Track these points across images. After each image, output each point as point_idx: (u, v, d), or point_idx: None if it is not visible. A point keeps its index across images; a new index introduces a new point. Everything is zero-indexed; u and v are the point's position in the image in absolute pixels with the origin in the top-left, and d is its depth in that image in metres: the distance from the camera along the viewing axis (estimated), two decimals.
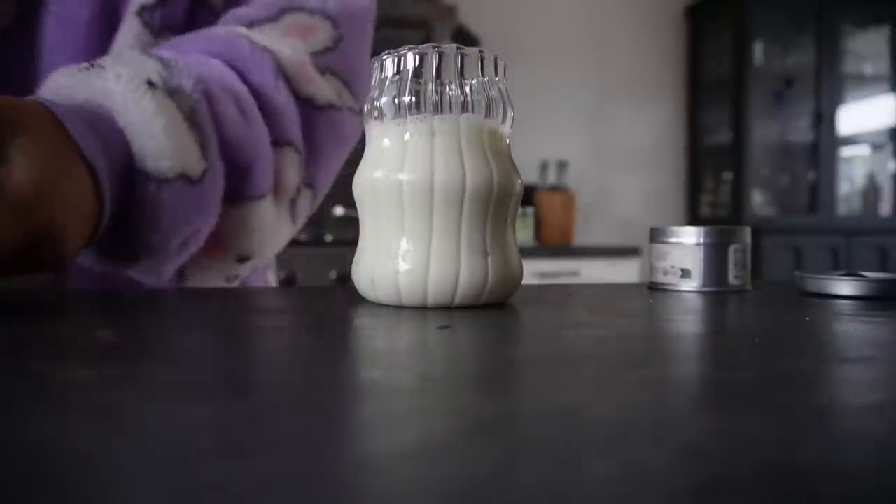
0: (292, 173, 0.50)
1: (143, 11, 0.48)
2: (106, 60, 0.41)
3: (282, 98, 0.48)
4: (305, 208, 0.54)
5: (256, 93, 0.47)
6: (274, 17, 0.52)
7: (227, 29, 0.49)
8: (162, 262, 0.43)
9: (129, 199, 0.40)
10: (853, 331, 0.29)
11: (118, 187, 0.39)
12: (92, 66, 0.40)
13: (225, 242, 0.47)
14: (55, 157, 0.34)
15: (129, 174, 0.40)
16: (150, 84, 0.40)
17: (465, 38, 2.32)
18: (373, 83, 0.37)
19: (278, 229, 0.50)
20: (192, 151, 0.41)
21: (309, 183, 0.53)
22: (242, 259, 0.49)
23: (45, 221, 0.33)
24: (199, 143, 0.42)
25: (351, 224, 2.00)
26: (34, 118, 0.34)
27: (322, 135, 0.52)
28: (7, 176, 0.32)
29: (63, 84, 0.40)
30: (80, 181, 0.36)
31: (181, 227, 0.42)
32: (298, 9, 0.53)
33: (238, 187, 0.45)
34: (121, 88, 0.39)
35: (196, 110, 0.42)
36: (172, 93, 0.41)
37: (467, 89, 0.35)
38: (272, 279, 0.66)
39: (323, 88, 0.51)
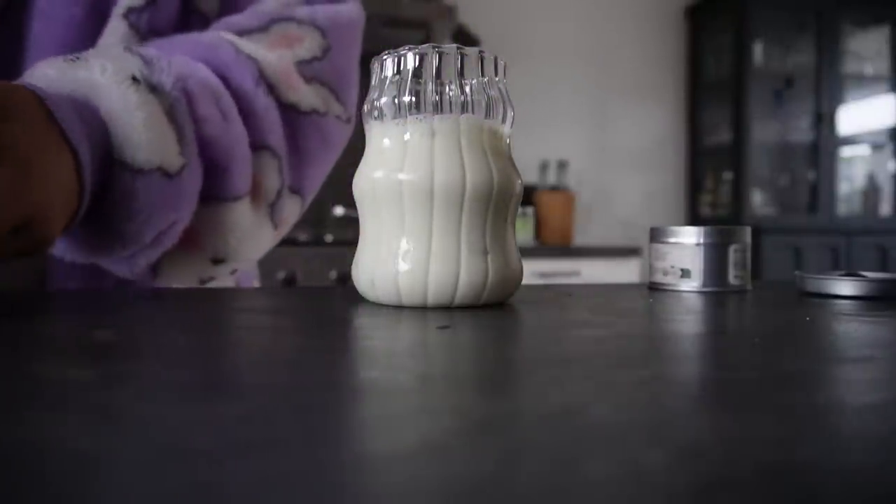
0: (271, 177, 0.50)
1: (129, 13, 0.48)
2: (89, 54, 0.42)
3: (261, 104, 0.49)
4: (292, 214, 0.54)
5: (236, 96, 0.48)
6: (264, 27, 0.53)
7: (214, 34, 0.49)
8: (135, 254, 0.44)
9: (106, 188, 0.41)
10: (853, 331, 0.29)
11: (98, 173, 0.40)
12: (77, 58, 0.41)
13: (199, 241, 0.47)
14: (41, 140, 0.35)
15: (109, 162, 0.41)
16: (134, 79, 0.41)
17: (465, 38, 2.32)
18: (373, 83, 0.37)
19: (256, 233, 0.50)
20: (170, 146, 0.42)
21: (297, 189, 0.53)
22: (217, 260, 0.49)
23: (31, 205, 0.34)
24: (177, 139, 0.42)
25: (351, 224, 2.00)
26: (19, 101, 0.34)
27: (308, 140, 0.53)
28: None
29: (49, 76, 0.40)
30: (64, 165, 0.36)
31: (155, 219, 0.42)
32: (288, 19, 0.54)
33: (214, 187, 0.46)
34: (106, 80, 0.40)
35: (175, 107, 0.43)
36: (153, 89, 0.42)
37: (467, 89, 0.35)
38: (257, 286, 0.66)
39: (306, 95, 0.52)
